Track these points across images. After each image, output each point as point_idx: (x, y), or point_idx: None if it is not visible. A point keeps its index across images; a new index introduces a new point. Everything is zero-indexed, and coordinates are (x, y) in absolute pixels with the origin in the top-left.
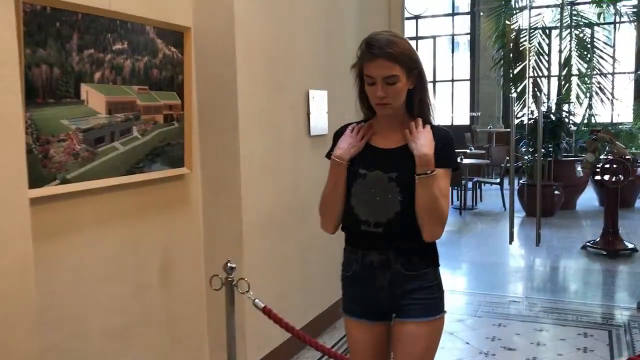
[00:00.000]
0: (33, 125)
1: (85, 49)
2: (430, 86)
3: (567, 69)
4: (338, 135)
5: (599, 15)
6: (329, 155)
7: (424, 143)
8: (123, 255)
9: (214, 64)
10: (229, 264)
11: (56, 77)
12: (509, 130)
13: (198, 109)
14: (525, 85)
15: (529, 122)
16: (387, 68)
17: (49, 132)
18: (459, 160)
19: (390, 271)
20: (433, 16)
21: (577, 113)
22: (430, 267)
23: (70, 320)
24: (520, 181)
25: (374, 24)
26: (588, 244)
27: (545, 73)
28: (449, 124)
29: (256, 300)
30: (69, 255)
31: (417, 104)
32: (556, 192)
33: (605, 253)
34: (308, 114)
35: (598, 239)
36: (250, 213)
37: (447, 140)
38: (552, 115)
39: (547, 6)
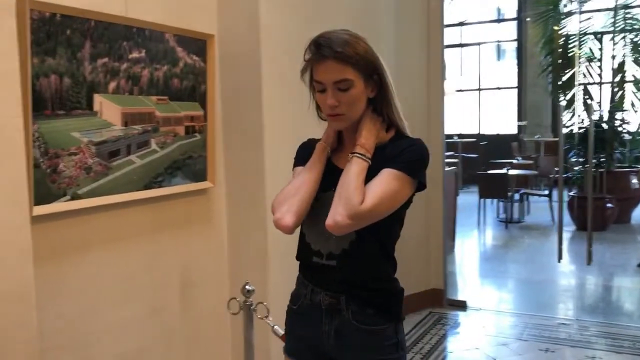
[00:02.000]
0: (41, 139)
1: (98, 58)
2: (476, 94)
3: (620, 75)
4: (305, 147)
5: None
6: (297, 165)
7: (372, 132)
8: (139, 274)
9: (239, 72)
10: (246, 287)
11: (66, 88)
12: (558, 139)
13: (222, 120)
14: (575, 92)
15: (579, 131)
16: (337, 71)
17: (59, 145)
18: (504, 170)
19: (338, 318)
20: (479, 22)
21: (632, 121)
22: (390, 322)
23: (80, 345)
24: (570, 193)
25: (410, 31)
26: None
27: (597, 80)
28: (495, 133)
29: (275, 327)
30: (79, 275)
31: (379, 114)
32: (609, 205)
33: None
34: None
35: None
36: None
37: (411, 145)
38: (604, 124)
39: (599, 10)
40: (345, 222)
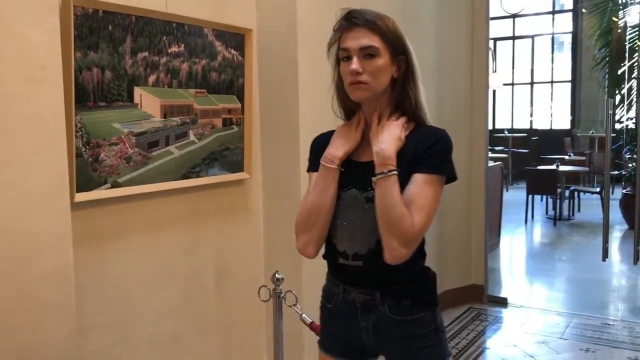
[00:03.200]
0: (83, 129)
1: (139, 52)
2: (528, 88)
3: None
4: (316, 145)
5: None
6: (311, 169)
7: (384, 138)
8: (176, 261)
9: (276, 66)
10: (276, 275)
11: (108, 81)
12: (614, 135)
13: (259, 112)
14: (630, 86)
15: (636, 126)
16: (365, 37)
17: (100, 136)
18: (554, 166)
19: (375, 313)
20: (535, 14)
21: None
22: (426, 310)
23: (117, 327)
24: (623, 191)
25: (454, 26)
26: None
27: None
28: (547, 128)
29: (303, 315)
30: (118, 259)
31: (402, 98)
32: None
33: None
34: None
35: None
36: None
37: (438, 140)
38: None
39: None
40: (403, 252)
